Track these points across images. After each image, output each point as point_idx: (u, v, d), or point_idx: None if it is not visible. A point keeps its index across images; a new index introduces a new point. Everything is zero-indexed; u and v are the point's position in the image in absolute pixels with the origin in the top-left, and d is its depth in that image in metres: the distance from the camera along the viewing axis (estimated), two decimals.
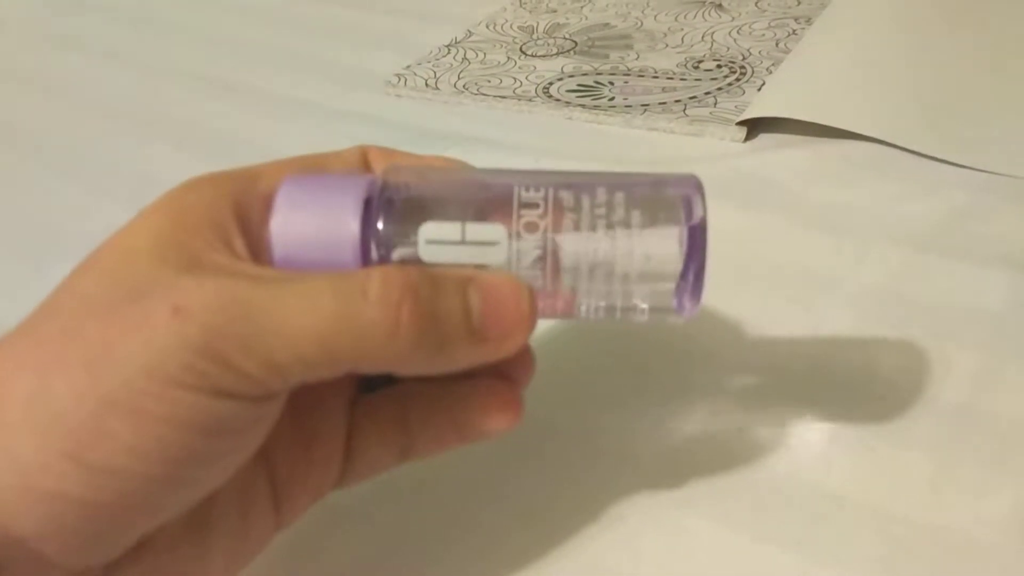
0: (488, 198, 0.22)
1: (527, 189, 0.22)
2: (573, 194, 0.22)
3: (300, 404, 0.23)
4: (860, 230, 0.38)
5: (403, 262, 0.21)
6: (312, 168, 0.23)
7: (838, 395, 0.30)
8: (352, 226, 0.21)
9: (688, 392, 0.30)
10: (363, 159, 0.24)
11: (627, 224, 0.21)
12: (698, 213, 0.22)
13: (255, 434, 0.20)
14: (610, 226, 0.21)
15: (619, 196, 0.22)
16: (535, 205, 0.21)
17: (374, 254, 0.21)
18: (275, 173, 0.22)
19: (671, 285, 0.22)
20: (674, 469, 0.28)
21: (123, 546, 0.19)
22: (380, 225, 0.21)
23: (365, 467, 0.24)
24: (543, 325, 0.21)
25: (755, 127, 0.46)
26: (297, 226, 0.21)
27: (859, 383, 0.30)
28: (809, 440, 0.28)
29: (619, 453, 0.28)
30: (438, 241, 0.21)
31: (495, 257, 0.21)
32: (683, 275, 0.22)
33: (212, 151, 0.50)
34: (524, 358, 0.25)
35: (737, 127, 0.46)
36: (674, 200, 0.22)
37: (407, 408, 0.24)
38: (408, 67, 0.58)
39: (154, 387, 0.17)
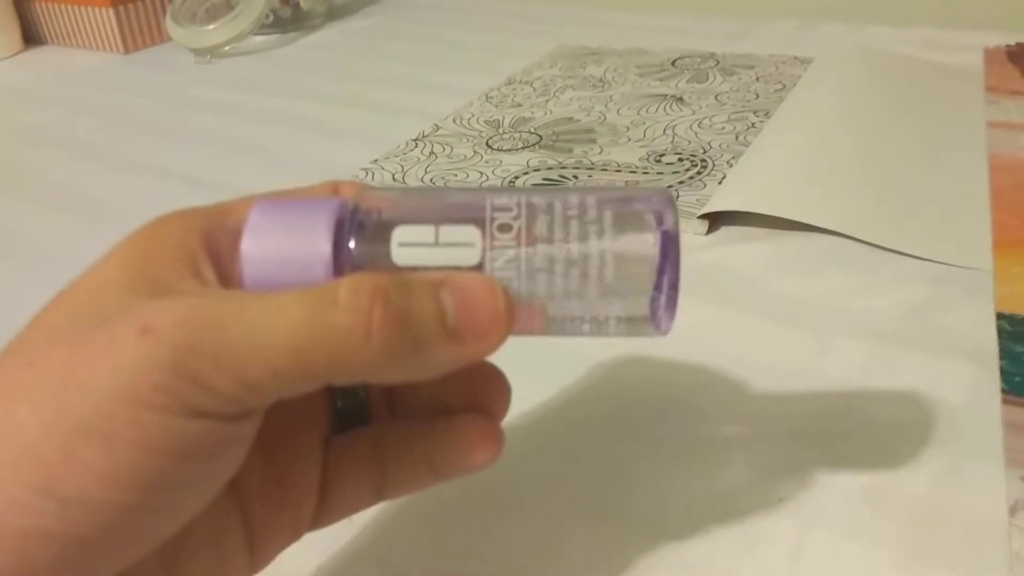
0: (461, 205, 0.22)
1: (500, 196, 0.22)
2: (545, 200, 0.22)
3: (273, 443, 0.22)
4: (822, 323, 0.38)
5: (375, 269, 0.21)
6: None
7: (804, 492, 0.29)
8: (324, 245, 0.20)
9: (650, 495, 0.30)
10: (334, 192, 0.24)
11: (600, 228, 0.21)
12: (670, 222, 0.21)
13: (230, 458, 0.19)
14: (583, 230, 0.21)
15: (591, 200, 0.22)
16: (508, 209, 0.21)
17: (347, 272, 0.21)
18: (245, 208, 0.22)
19: (645, 295, 0.21)
20: None
21: None
22: (352, 244, 0.21)
23: (340, 507, 0.24)
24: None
25: (717, 220, 0.47)
26: (268, 247, 0.21)
27: (824, 479, 0.30)
28: (777, 541, 0.28)
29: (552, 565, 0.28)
30: (411, 243, 0.21)
31: (469, 258, 0.21)
32: (657, 285, 0.21)
33: None
34: (500, 390, 0.24)
35: (699, 220, 0.46)
36: (645, 211, 0.22)
37: (382, 447, 0.24)
38: (376, 161, 0.58)
39: (125, 411, 0.17)
